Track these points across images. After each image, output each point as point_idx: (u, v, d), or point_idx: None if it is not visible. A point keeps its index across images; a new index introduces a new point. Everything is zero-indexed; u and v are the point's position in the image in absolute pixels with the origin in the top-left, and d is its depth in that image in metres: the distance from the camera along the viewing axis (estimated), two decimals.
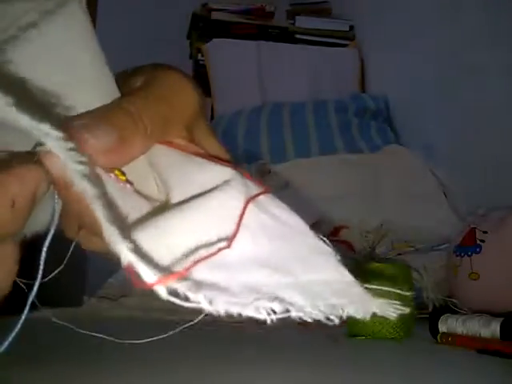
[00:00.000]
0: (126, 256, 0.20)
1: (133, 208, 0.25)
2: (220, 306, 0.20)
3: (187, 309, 0.20)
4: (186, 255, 0.22)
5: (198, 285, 0.21)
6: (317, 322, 0.22)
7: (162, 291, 0.20)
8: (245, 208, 0.24)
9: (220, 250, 0.23)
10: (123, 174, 0.26)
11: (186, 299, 0.20)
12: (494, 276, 0.71)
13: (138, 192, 0.27)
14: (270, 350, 0.56)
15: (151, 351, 0.48)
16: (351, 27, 2.04)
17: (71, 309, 0.82)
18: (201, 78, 1.92)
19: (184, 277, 0.21)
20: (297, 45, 2.00)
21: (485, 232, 0.73)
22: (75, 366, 0.44)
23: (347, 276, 0.24)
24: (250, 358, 0.50)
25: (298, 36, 2.04)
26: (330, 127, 1.64)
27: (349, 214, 1.17)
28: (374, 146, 1.55)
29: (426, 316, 0.69)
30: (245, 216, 0.24)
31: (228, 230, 0.24)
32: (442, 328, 0.59)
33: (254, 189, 0.26)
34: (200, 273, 0.22)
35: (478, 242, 0.73)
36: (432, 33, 1.48)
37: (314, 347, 0.58)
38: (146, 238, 0.22)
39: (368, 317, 0.22)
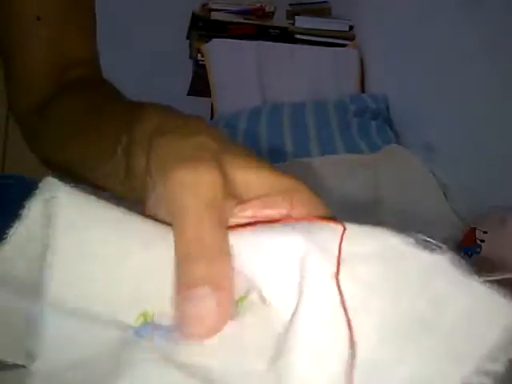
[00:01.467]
0: None
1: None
2: None
3: None
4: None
5: None
6: None
7: None
8: (339, 291, 0.21)
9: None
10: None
11: None
12: (493, 276, 0.71)
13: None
14: None
15: None
16: (351, 27, 2.04)
17: None
18: (201, 78, 1.92)
19: None
20: (297, 45, 1.99)
21: (485, 232, 0.73)
22: None
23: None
24: None
25: (297, 36, 2.03)
26: (329, 127, 1.64)
27: None
28: (374, 146, 1.55)
29: None
30: (343, 298, 0.21)
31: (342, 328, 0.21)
32: None
33: (327, 238, 0.22)
34: None
35: (478, 241, 0.73)
36: (432, 33, 1.48)
37: None
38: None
39: None
